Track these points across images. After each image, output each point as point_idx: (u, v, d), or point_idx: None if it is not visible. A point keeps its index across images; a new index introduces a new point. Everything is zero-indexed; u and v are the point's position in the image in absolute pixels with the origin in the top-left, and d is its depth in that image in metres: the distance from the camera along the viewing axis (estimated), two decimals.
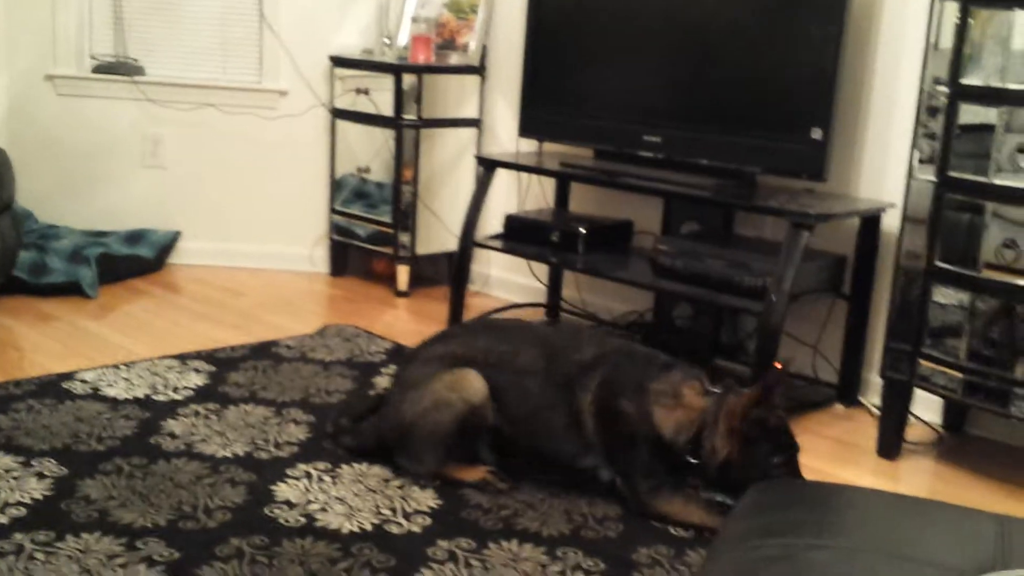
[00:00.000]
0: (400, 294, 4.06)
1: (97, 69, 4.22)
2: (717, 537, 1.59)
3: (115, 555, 2.03)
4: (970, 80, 2.54)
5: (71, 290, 3.76)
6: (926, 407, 2.97)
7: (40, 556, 2.00)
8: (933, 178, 2.63)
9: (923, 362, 2.68)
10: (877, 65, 3.10)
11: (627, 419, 2.32)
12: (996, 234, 2.52)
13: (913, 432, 2.91)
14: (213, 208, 4.32)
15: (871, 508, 1.59)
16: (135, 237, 4.16)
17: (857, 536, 1.47)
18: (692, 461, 2.30)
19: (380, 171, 4.31)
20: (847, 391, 3.15)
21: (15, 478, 2.32)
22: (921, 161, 2.65)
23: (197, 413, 2.75)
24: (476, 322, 2.62)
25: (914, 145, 2.67)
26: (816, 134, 2.96)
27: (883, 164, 3.11)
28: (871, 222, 3.05)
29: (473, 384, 2.40)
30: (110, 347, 3.28)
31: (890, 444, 2.81)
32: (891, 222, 3.00)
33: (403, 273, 4.06)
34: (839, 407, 3.14)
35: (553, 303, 3.87)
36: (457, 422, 2.38)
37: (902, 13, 3.03)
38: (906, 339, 2.71)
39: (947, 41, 2.57)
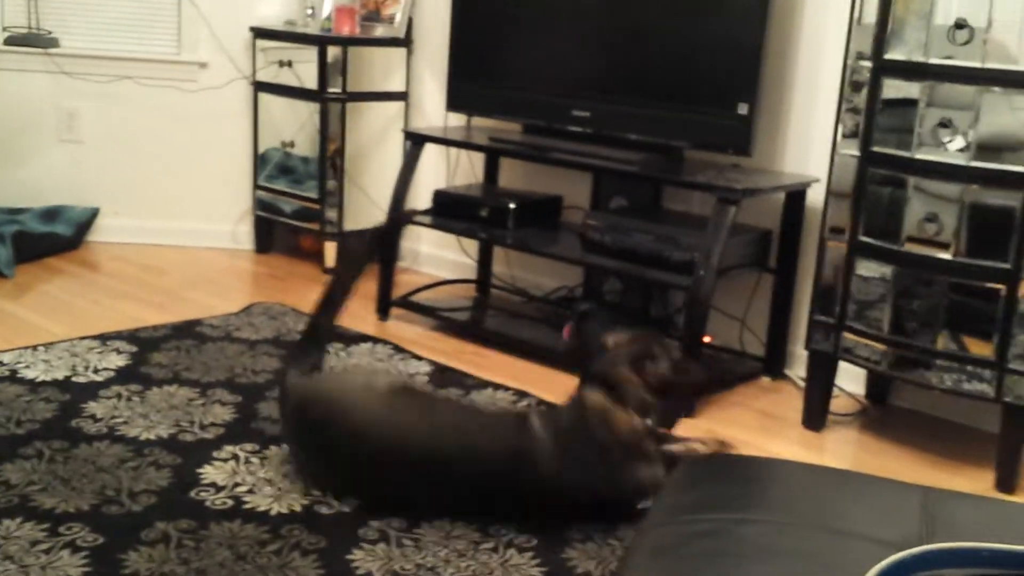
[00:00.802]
0: (328, 271, 4.01)
1: (9, 41, 4.06)
2: (647, 512, 1.60)
3: (38, 541, 1.98)
4: (893, 55, 2.57)
5: None
6: (850, 379, 3.03)
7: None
8: (857, 153, 2.66)
9: (847, 334, 2.72)
10: (802, 40, 3.13)
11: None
12: (918, 208, 2.56)
13: (838, 404, 2.96)
14: (132, 184, 4.20)
15: (800, 482, 1.61)
16: (52, 214, 4.03)
17: (786, 510, 1.48)
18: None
19: (305, 145, 4.23)
20: (773, 364, 3.20)
21: None
22: (845, 136, 2.69)
23: (119, 395, 2.68)
24: None
25: (838, 120, 2.70)
26: (742, 109, 2.98)
27: (808, 139, 3.14)
28: (796, 197, 3.09)
29: None
30: (28, 328, 3.18)
31: (815, 416, 2.86)
32: (816, 197, 3.04)
33: (331, 250, 4.00)
34: (765, 380, 3.19)
35: (483, 279, 3.85)
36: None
37: None
38: (830, 312, 2.75)
39: (871, 16, 2.60)
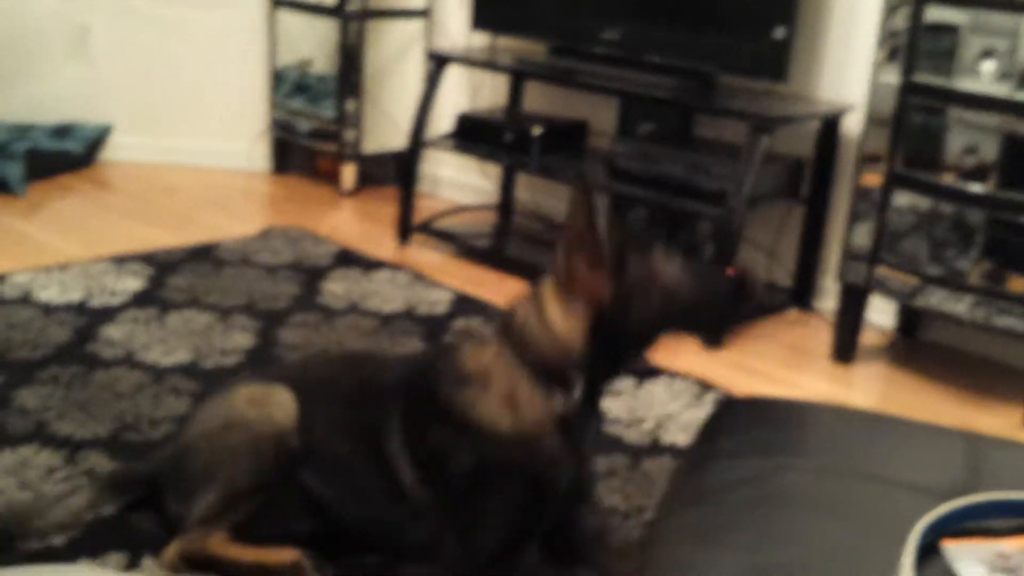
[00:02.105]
0: (346, 194, 3.93)
1: None
2: (684, 457, 1.56)
3: (55, 468, 1.95)
4: None
5: None
6: (880, 312, 2.97)
7: None
8: (896, 80, 2.56)
9: (880, 267, 2.66)
10: None
11: (446, 442, 1.61)
12: (957, 138, 2.48)
13: (867, 337, 2.91)
14: (146, 101, 4.11)
15: (840, 427, 1.56)
16: (63, 131, 3.95)
17: (826, 456, 1.45)
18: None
19: (322, 63, 4.13)
20: (802, 296, 3.13)
21: None
22: (884, 62, 2.58)
23: (136, 319, 2.64)
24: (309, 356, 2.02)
25: (878, 46, 2.59)
26: (778, 33, 2.87)
27: (844, 65, 3.03)
28: (831, 125, 2.99)
29: (281, 401, 1.69)
30: (41, 248, 3.13)
31: (845, 349, 2.81)
32: (851, 125, 2.94)
33: (348, 172, 3.92)
34: (794, 312, 3.13)
35: (505, 205, 3.77)
36: (255, 452, 1.65)
37: None
38: (863, 244, 2.68)
39: None
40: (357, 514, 1.69)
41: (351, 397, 1.73)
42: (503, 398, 1.57)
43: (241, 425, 1.66)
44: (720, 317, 1.61)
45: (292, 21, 4.03)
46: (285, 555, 1.66)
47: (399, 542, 1.68)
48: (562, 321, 1.55)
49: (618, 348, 1.58)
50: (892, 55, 2.56)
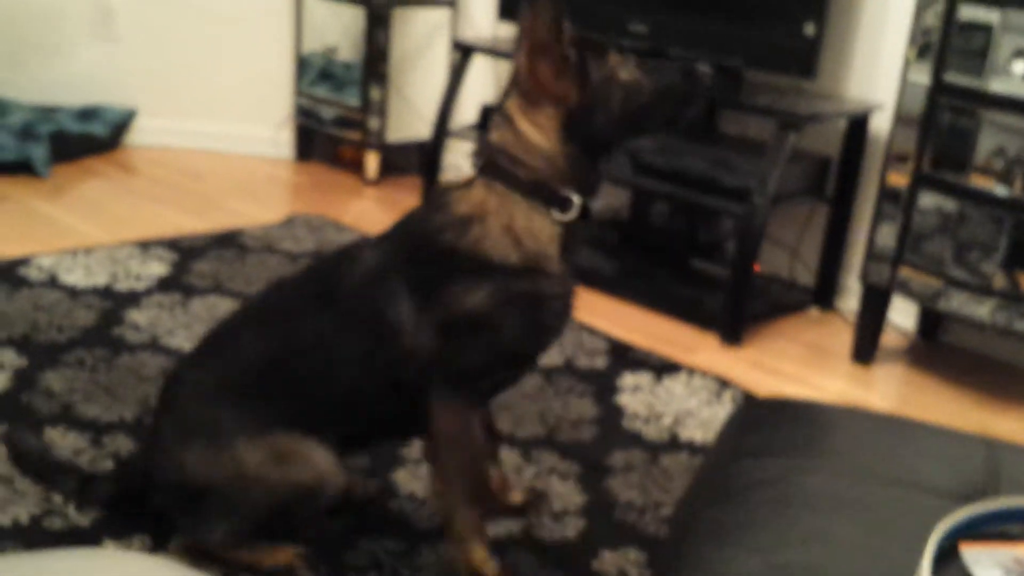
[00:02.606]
0: (369, 183, 3.94)
1: None
2: (706, 455, 1.56)
3: (81, 450, 1.97)
4: None
5: (21, 169, 3.59)
6: (901, 313, 2.96)
7: (3, 451, 1.93)
8: (926, 79, 2.54)
9: (903, 268, 2.65)
10: None
11: (463, 289, 1.58)
12: (987, 141, 2.46)
13: (888, 338, 2.90)
14: (171, 85, 4.12)
15: (861, 430, 1.56)
16: (88, 114, 3.97)
17: (848, 459, 1.45)
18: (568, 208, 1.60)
19: (347, 51, 4.14)
20: (824, 295, 3.12)
21: None
22: (914, 61, 2.57)
23: (161, 304, 2.65)
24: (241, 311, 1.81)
25: (909, 43, 2.58)
26: (808, 29, 2.85)
27: (874, 62, 3.01)
28: (859, 123, 2.97)
29: (314, 463, 1.63)
30: (66, 231, 3.15)
31: (865, 350, 2.80)
32: (878, 124, 2.92)
33: (372, 161, 3.93)
34: (815, 311, 3.12)
35: None
36: (278, 508, 1.65)
37: None
38: (888, 244, 2.66)
39: None
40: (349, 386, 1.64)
41: (323, 312, 1.65)
42: (505, 228, 1.57)
43: (263, 487, 1.63)
44: (676, 108, 1.64)
45: (318, 8, 4.04)
46: (280, 556, 1.69)
47: (408, 406, 1.64)
48: (535, 131, 1.57)
49: (591, 149, 1.60)
50: (923, 54, 2.54)
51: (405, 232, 1.68)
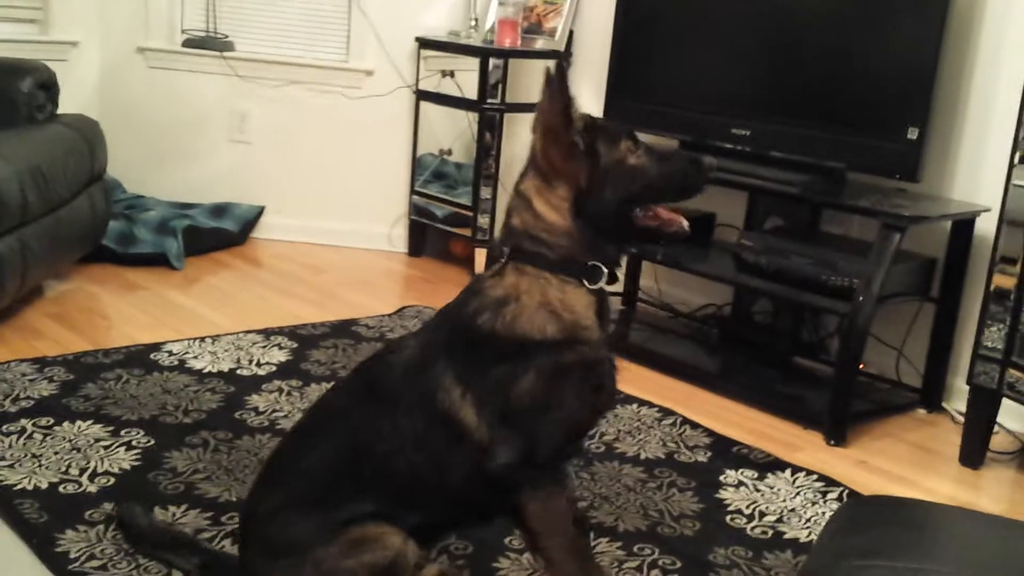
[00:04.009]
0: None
1: (187, 43, 4.28)
2: (812, 553, 1.56)
3: (202, 529, 2.08)
4: None
5: (157, 261, 3.83)
6: (1012, 416, 2.90)
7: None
8: None
9: (1012, 370, 2.61)
10: (977, 61, 3.01)
11: (507, 367, 1.63)
12: None
13: (997, 441, 2.84)
14: (296, 184, 4.36)
15: (971, 530, 1.54)
16: (220, 210, 4.23)
17: (959, 562, 1.42)
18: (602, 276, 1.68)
19: (460, 152, 4.31)
20: (930, 396, 3.09)
21: (104, 447, 2.38)
22: (1019, 164, 2.58)
23: (280, 389, 2.79)
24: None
25: (1015, 147, 2.59)
26: (912, 134, 2.89)
27: (978, 165, 3.02)
28: (964, 225, 2.97)
29: (386, 543, 1.65)
30: (195, 319, 3.35)
31: (974, 453, 2.75)
32: (984, 225, 2.92)
33: (481, 256, 4.07)
34: (921, 412, 3.08)
35: (630, 292, 3.85)
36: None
37: (1005, 6, 2.94)
38: (996, 346, 2.64)
39: None
40: (434, 485, 1.67)
41: (384, 396, 1.70)
42: (540, 304, 1.63)
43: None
44: (679, 193, 1.73)
45: (434, 112, 4.24)
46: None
47: (483, 488, 1.66)
48: (550, 211, 1.66)
49: (600, 224, 1.67)
50: None
51: (444, 320, 1.74)
